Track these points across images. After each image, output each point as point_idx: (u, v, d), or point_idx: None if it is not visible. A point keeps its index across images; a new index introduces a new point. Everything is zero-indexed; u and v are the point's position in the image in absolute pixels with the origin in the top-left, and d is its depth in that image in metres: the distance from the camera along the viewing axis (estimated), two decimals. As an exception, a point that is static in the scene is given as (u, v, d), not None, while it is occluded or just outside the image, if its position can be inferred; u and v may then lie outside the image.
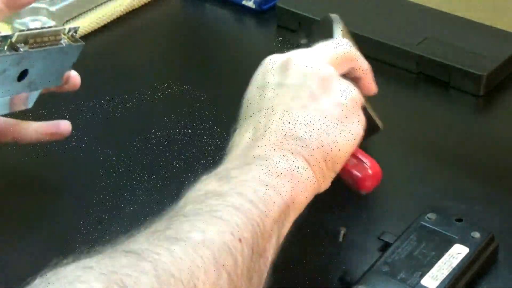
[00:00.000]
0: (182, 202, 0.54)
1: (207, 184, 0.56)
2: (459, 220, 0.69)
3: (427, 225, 0.69)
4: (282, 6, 1.01)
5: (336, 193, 0.78)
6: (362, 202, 0.76)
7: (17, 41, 0.62)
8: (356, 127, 0.63)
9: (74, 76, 0.72)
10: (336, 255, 0.70)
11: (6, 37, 0.62)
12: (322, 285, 0.67)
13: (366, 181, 0.67)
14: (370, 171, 0.67)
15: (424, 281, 0.63)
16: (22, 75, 0.65)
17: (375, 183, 0.67)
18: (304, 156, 0.59)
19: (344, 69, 0.67)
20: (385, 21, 0.98)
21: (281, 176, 0.57)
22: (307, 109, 0.61)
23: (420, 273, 0.64)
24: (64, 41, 0.66)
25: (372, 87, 0.70)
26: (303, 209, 0.60)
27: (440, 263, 0.65)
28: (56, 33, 0.65)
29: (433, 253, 0.66)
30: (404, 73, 0.93)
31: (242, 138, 0.61)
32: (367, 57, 0.91)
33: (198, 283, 0.47)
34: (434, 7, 1.00)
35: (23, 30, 0.63)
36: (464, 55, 0.91)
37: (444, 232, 0.68)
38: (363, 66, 0.69)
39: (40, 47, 0.64)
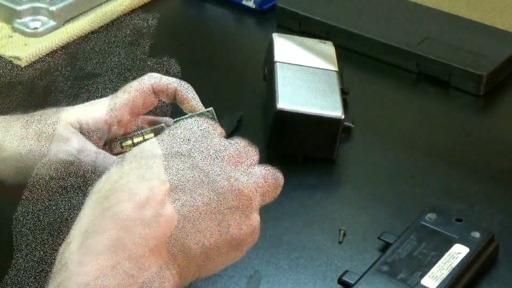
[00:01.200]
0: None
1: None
2: (459, 220, 0.69)
3: (427, 225, 0.69)
4: (282, 6, 1.01)
5: (336, 193, 0.78)
6: (362, 202, 0.76)
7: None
8: None
9: None
10: (336, 255, 0.70)
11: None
12: (322, 285, 0.67)
13: None
14: None
15: (424, 281, 0.64)
16: None
17: None
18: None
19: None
20: (385, 21, 0.98)
21: None
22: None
23: (420, 273, 0.64)
24: None
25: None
26: None
27: (440, 263, 0.65)
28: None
29: (433, 253, 0.66)
30: (404, 73, 0.93)
31: None
32: (367, 57, 0.92)
33: None
34: (434, 7, 1.00)
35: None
36: (464, 55, 0.91)
37: (444, 232, 0.68)
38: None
39: None
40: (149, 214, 0.49)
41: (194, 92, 0.67)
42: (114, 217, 0.49)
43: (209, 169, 0.52)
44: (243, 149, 0.56)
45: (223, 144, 0.55)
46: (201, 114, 0.67)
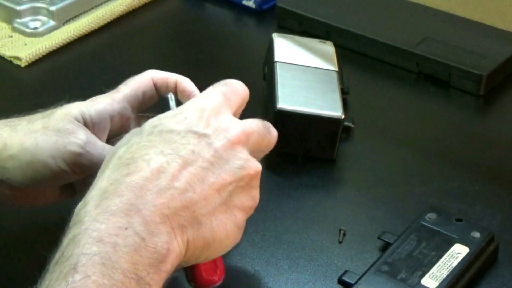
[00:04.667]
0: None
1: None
2: (459, 220, 0.69)
3: (427, 225, 0.69)
4: (282, 6, 1.01)
5: (336, 193, 0.78)
6: (362, 202, 0.76)
7: None
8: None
9: None
10: (336, 255, 0.70)
11: None
12: (322, 285, 0.67)
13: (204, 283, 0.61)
14: (216, 278, 0.61)
15: (424, 281, 0.64)
16: None
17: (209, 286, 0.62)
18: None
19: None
20: (385, 21, 0.98)
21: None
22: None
23: (420, 273, 0.64)
24: None
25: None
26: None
27: (440, 263, 0.65)
28: None
29: (433, 253, 0.66)
30: (404, 73, 0.93)
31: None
32: (367, 57, 0.92)
33: None
34: (434, 7, 1.00)
35: None
36: (464, 55, 0.91)
37: (444, 232, 0.68)
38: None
39: None
40: (163, 184, 0.54)
41: (194, 85, 0.68)
42: (132, 183, 0.53)
43: (222, 151, 0.57)
44: (255, 128, 0.60)
45: (234, 123, 0.59)
46: None
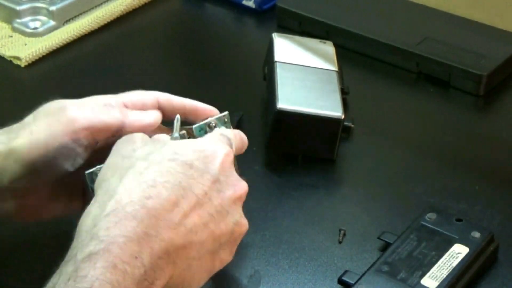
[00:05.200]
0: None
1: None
2: (459, 220, 0.69)
3: (427, 225, 0.69)
4: (282, 6, 1.01)
5: (336, 193, 0.78)
6: (362, 202, 0.76)
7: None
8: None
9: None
10: (336, 255, 0.70)
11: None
12: (322, 285, 0.67)
13: None
14: None
15: (424, 281, 0.63)
16: None
17: None
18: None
19: None
20: (385, 21, 0.98)
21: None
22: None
23: (420, 273, 0.64)
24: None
25: None
26: None
27: (440, 263, 0.65)
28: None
29: (433, 253, 0.66)
30: (404, 73, 0.93)
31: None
32: (367, 57, 0.92)
33: None
34: (434, 7, 1.00)
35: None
36: (464, 55, 0.91)
37: (444, 232, 0.68)
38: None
39: None
40: (176, 220, 0.55)
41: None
42: (151, 211, 0.54)
43: (227, 202, 0.59)
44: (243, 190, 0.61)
45: (239, 179, 0.61)
46: (218, 119, 0.68)
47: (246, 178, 0.62)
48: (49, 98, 0.72)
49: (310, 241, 0.71)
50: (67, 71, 0.96)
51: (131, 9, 1.06)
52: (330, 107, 0.78)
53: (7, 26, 1.01)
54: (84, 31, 1.01)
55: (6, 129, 0.65)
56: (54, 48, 0.98)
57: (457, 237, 0.67)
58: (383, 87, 0.92)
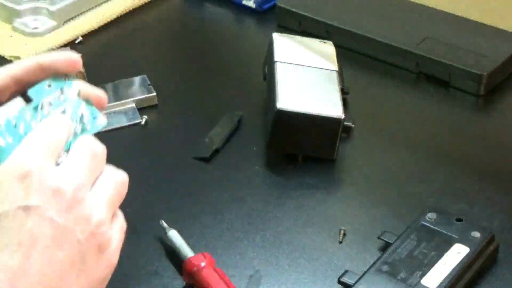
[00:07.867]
0: None
1: None
2: (459, 220, 0.69)
3: (427, 225, 0.69)
4: (282, 6, 1.02)
5: (336, 193, 0.78)
6: (362, 202, 0.76)
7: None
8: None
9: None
10: (336, 255, 0.70)
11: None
12: (322, 285, 0.67)
13: None
14: None
15: (424, 281, 0.64)
16: None
17: None
18: None
19: None
20: (385, 21, 0.98)
21: None
22: None
23: (420, 273, 0.64)
24: None
25: None
26: None
27: (440, 263, 0.65)
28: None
29: (433, 253, 0.66)
30: (404, 73, 0.93)
31: None
32: (367, 57, 0.92)
33: None
34: (434, 7, 1.00)
35: None
36: (464, 55, 0.91)
37: (444, 232, 0.68)
38: None
39: None
40: None
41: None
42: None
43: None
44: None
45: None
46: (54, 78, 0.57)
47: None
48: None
49: (310, 241, 0.71)
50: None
51: (131, 9, 1.06)
52: (330, 107, 0.78)
53: (7, 26, 1.02)
54: (84, 31, 1.01)
55: None
56: (54, 48, 0.98)
57: (457, 237, 0.67)
58: (383, 87, 0.92)
